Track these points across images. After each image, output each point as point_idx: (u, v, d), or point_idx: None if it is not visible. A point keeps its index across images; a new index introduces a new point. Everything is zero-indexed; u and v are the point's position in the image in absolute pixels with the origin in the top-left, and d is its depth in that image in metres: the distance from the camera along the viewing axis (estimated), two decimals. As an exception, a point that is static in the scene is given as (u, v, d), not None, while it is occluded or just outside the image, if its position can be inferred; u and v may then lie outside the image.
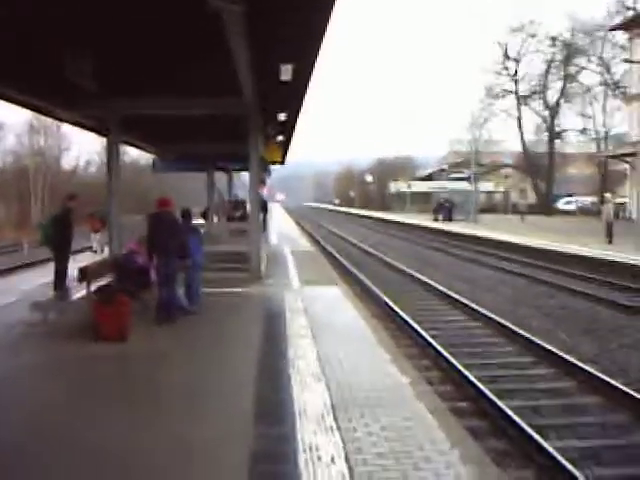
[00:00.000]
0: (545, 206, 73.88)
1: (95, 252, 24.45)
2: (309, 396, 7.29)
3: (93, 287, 11.46)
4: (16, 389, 7.98)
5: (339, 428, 6.29)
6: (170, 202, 12.08)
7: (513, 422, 8.12)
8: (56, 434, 6.30)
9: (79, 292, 12.75)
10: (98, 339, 9.92)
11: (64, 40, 10.27)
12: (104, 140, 59.86)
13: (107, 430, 6.35)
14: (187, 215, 12.99)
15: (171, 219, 11.89)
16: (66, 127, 62.97)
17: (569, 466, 6.75)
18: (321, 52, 11.48)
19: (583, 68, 72.39)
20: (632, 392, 9.12)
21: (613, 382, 9.64)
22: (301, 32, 10.07)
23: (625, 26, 51.72)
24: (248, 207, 34.09)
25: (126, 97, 14.70)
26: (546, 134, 76.52)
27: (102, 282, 11.93)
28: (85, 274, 11.43)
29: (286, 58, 11.95)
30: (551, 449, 7.20)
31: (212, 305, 12.76)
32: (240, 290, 15.03)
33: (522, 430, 7.85)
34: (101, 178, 76.44)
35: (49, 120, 59.26)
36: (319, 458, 5.57)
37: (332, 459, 5.54)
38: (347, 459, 5.55)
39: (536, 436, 7.58)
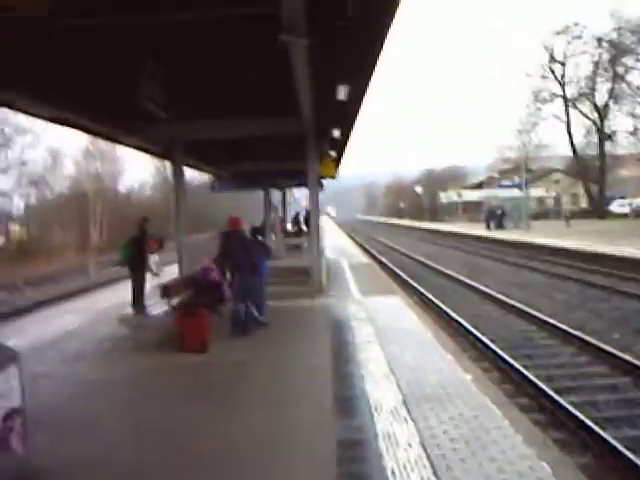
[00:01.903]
0: (598, 209, 73.27)
1: (156, 274, 24.49)
2: (382, 393, 8.03)
3: (173, 302, 12.34)
4: (118, 394, 8.87)
5: (412, 419, 7.01)
6: (241, 221, 13.00)
7: (571, 414, 8.74)
8: (158, 433, 7.16)
9: (155, 309, 13.66)
10: (182, 350, 10.79)
11: (139, 68, 11.14)
12: (157, 162, 60.93)
13: (207, 427, 7.21)
14: (256, 232, 13.87)
15: (242, 237, 12.79)
16: (120, 150, 65.06)
17: (627, 452, 7.36)
18: (375, 73, 12.30)
19: (631, 68, 71.78)
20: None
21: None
22: (358, 58, 10.91)
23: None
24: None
25: (190, 121, 15.54)
26: (596, 136, 75.84)
27: (180, 298, 12.78)
28: (167, 290, 12.33)
29: (343, 80, 12.73)
30: (609, 437, 7.82)
31: (280, 317, 13.42)
32: (304, 303, 15.77)
33: (580, 421, 8.47)
34: (156, 199, 78.57)
35: (104, 144, 61.31)
36: (397, 444, 6.30)
37: (409, 444, 6.27)
38: (422, 443, 6.27)
39: (594, 426, 8.20)
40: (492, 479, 5.42)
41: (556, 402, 9.28)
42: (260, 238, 14.36)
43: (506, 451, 6.03)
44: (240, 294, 12.33)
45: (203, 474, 5.98)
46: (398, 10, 8.82)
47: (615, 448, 7.52)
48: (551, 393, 9.63)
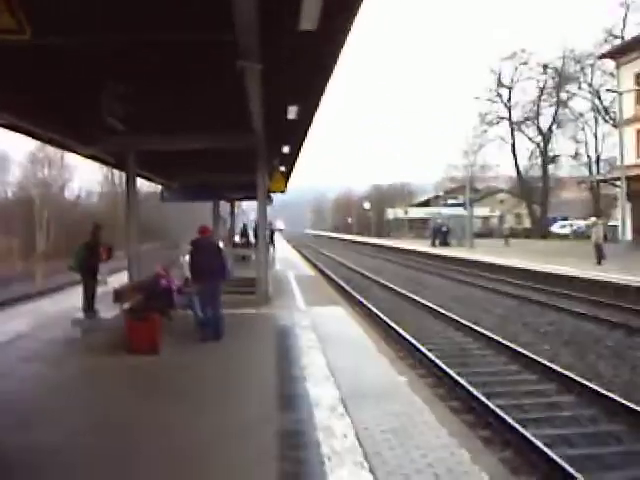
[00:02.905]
0: (540, 230, 75.33)
1: (103, 282, 24.24)
2: (322, 391, 8.66)
3: (125, 306, 12.78)
4: (69, 391, 9.28)
5: (348, 414, 7.64)
6: (210, 229, 13.59)
7: (497, 415, 9.46)
8: (106, 425, 7.66)
9: (107, 313, 14.06)
10: (132, 352, 11.25)
11: (101, 83, 11.60)
12: (106, 170, 60.43)
13: (156, 419, 7.74)
14: None
15: (212, 243, 13.42)
16: (68, 158, 64.70)
17: (544, 448, 8.07)
18: (324, 96, 13.01)
19: (574, 94, 74.35)
20: (603, 391, 10.46)
21: (587, 383, 10.98)
22: (307, 82, 11.63)
23: (613, 54, 53.22)
24: (250, 234, 35.73)
25: (146, 133, 16.01)
26: (540, 159, 78.08)
27: (131, 302, 13.21)
28: (119, 295, 12.78)
29: (293, 101, 13.42)
30: (529, 435, 8.53)
31: (227, 324, 13.92)
32: (251, 311, 16.27)
33: (504, 420, 9.18)
34: (103, 207, 78.07)
35: (52, 151, 60.90)
36: (333, 434, 6.92)
37: (344, 435, 6.89)
38: (356, 434, 6.90)
39: (516, 425, 8.91)
40: (416, 462, 6.09)
41: (484, 404, 9.99)
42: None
43: (431, 441, 6.70)
44: (211, 299, 12.87)
45: (149, 462, 6.47)
46: (346, 41, 9.54)
47: (533, 444, 8.22)
48: (480, 396, 10.33)
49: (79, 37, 8.95)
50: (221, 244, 29.75)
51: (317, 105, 14.15)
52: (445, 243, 60.25)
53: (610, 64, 58.73)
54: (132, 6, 8.37)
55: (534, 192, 79.58)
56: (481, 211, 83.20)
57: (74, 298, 16.16)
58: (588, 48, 68.04)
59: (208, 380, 9.67)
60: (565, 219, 79.64)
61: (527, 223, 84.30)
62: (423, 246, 58.93)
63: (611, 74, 62.00)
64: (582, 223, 71.70)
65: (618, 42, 58.71)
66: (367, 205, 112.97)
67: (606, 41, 63.13)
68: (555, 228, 78.17)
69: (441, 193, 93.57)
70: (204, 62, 10.57)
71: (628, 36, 57.11)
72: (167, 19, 8.74)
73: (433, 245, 60.48)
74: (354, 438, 6.79)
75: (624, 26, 62.32)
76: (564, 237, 71.08)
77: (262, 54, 9.15)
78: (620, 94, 36.43)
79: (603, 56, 57.73)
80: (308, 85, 12.10)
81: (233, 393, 8.92)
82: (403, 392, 8.76)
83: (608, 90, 55.45)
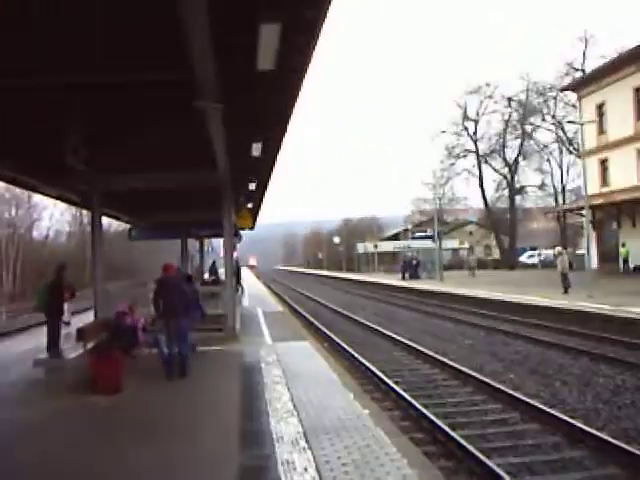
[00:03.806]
0: (509, 260, 76.03)
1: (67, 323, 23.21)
2: (285, 426, 8.68)
3: (89, 346, 12.72)
4: (30, 432, 9.20)
5: (310, 448, 7.66)
6: (174, 267, 13.56)
7: (460, 445, 9.51)
8: (65, 466, 7.60)
9: (71, 352, 13.95)
10: (95, 391, 11.17)
11: (62, 124, 11.66)
12: (74, 210, 60.15)
13: (116, 459, 7.68)
14: (188, 279, 14.53)
15: (176, 282, 13.35)
16: (36, 198, 64.30)
17: (506, 476, 8.13)
18: (287, 132, 13.17)
19: (538, 126, 75.76)
20: (566, 418, 10.58)
21: (550, 411, 11.09)
22: (269, 121, 11.80)
23: (574, 87, 54.42)
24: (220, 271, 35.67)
25: (111, 173, 16.06)
26: (507, 190, 79.00)
27: (96, 341, 13.14)
28: (83, 334, 12.73)
29: (256, 138, 13.55)
30: (493, 464, 8.59)
31: (194, 361, 13.86)
32: (218, 348, 16.25)
33: (467, 450, 9.24)
34: (71, 247, 77.57)
35: (19, 191, 60.50)
36: (294, 469, 6.94)
37: (305, 469, 6.91)
38: (317, 468, 6.92)
39: (479, 454, 8.97)
40: (375, 494, 6.12)
41: (448, 435, 10.04)
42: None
43: (392, 472, 6.74)
44: (177, 336, 12.81)
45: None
46: (306, 77, 9.72)
47: (495, 473, 8.29)
48: (444, 427, 10.38)
49: (38, 78, 9.04)
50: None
51: (281, 141, 14.32)
52: (415, 276, 60.46)
53: (572, 96, 60.06)
54: (92, 47, 8.48)
55: (502, 223, 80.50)
56: (450, 243, 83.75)
57: (39, 338, 16.02)
58: (550, 81, 69.82)
59: (172, 418, 9.65)
60: (534, 249, 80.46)
61: (496, 254, 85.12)
62: (393, 279, 59.12)
63: (573, 106, 63.32)
64: (550, 252, 72.51)
65: (579, 75, 60.13)
66: (337, 239, 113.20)
67: (567, 74, 64.76)
68: (524, 258, 79.09)
69: (410, 226, 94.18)
70: (166, 102, 10.69)
71: (588, 69, 58.63)
72: (126, 59, 8.86)
73: (403, 278, 60.65)
74: (315, 472, 6.82)
75: (584, 59, 63.97)
76: (532, 267, 71.83)
77: (221, 94, 9.31)
78: (582, 125, 37.01)
79: (565, 89, 59.03)
80: (270, 122, 12.27)
81: (197, 431, 8.88)
82: (366, 425, 8.78)
83: (570, 122, 56.58)
